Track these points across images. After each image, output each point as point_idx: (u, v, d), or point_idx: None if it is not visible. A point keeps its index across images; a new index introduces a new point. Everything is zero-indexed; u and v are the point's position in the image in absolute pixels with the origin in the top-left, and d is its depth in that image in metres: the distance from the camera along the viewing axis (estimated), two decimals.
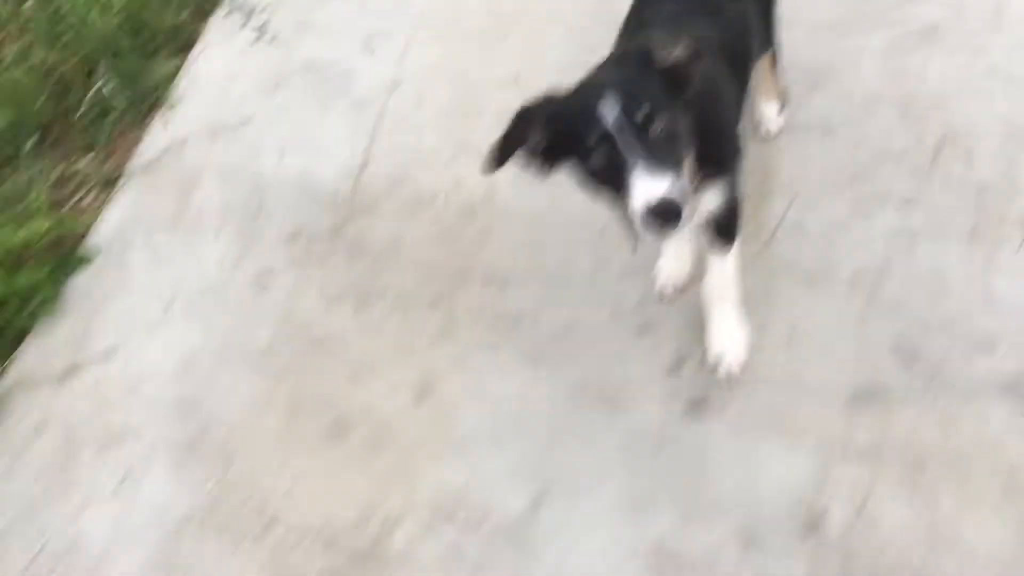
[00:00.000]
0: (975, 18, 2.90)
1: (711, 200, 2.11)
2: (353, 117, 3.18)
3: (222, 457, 2.58)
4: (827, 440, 2.30)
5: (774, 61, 2.69)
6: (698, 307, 2.50)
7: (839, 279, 2.52)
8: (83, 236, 3.05)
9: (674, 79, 1.88)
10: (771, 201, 2.68)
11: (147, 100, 3.32)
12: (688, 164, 1.90)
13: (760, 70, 2.63)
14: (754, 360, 2.44)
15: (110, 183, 3.17)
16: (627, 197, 1.79)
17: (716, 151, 2.05)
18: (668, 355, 2.50)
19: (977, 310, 2.40)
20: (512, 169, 1.96)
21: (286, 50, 3.43)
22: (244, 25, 3.54)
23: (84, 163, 3.22)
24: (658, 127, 1.80)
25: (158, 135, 3.27)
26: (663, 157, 1.78)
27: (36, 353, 2.86)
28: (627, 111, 1.79)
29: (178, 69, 3.43)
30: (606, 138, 1.79)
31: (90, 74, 3.37)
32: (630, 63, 1.92)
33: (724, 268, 2.34)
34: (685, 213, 1.76)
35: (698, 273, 2.49)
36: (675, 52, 1.87)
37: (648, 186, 1.75)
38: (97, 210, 3.12)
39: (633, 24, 2.32)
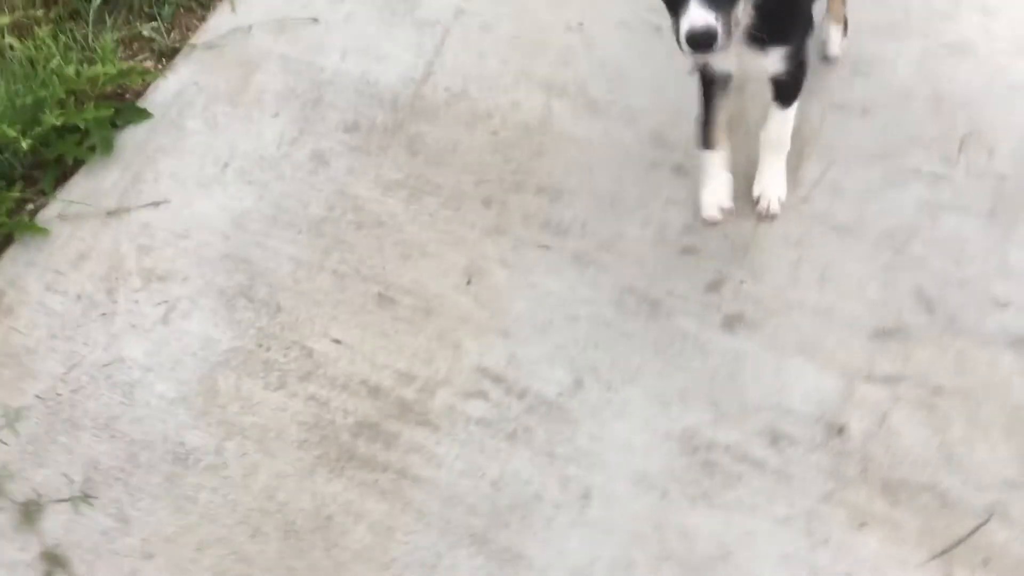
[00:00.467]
0: (1002, 40, 3.19)
1: (775, 63, 2.43)
2: (416, 34, 3.30)
3: (268, 307, 2.65)
4: (852, 365, 2.49)
5: None
6: (742, 237, 2.69)
7: (869, 234, 2.73)
8: (141, 94, 3.11)
9: None
10: (810, 163, 2.89)
11: None
12: (738, 8, 2.17)
13: None
14: (787, 291, 2.63)
15: (172, 53, 3.23)
16: (679, 22, 2.13)
17: (787, 20, 2.36)
18: (709, 274, 2.66)
19: (993, 274, 2.63)
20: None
21: None
22: None
23: (147, 30, 3.28)
24: None
25: (224, 17, 3.34)
26: None
27: (85, 188, 2.89)
28: None
29: None
30: None
31: None
32: None
33: (783, 118, 2.66)
34: (720, 43, 2.09)
35: (736, 206, 2.71)
36: None
37: (693, 15, 2.07)
38: (158, 74, 3.17)
39: None
